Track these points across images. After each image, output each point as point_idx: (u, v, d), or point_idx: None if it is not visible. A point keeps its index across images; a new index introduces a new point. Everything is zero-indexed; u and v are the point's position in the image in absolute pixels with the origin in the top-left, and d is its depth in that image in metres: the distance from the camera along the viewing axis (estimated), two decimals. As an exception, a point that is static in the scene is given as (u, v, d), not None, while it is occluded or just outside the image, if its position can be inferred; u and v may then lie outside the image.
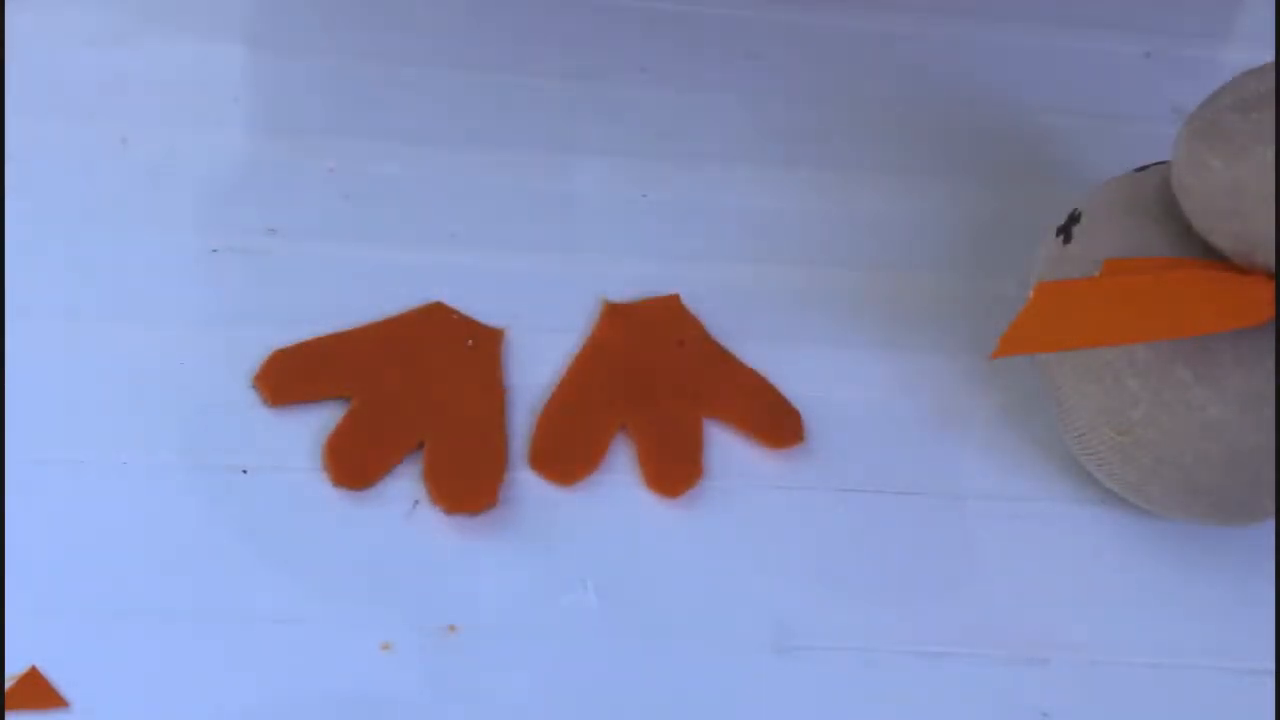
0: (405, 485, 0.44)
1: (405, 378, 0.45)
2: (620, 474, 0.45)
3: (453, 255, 0.49)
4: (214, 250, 0.48)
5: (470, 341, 0.47)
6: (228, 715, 0.41)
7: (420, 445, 0.45)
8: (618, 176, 0.52)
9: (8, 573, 0.42)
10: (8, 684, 0.40)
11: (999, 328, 0.40)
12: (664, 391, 0.47)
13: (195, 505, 0.44)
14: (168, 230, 0.49)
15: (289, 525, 0.44)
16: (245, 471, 0.44)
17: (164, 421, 0.45)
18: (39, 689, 0.40)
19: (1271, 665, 0.44)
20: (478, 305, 0.48)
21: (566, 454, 0.45)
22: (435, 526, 0.44)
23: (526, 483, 0.45)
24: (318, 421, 0.45)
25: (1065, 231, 0.45)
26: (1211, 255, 0.41)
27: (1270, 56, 0.41)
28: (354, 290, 0.48)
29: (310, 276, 0.48)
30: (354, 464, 0.44)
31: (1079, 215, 0.44)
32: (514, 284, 0.49)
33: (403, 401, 0.45)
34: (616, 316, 0.48)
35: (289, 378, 0.45)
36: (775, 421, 0.47)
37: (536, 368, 0.47)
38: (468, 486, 0.44)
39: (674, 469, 0.45)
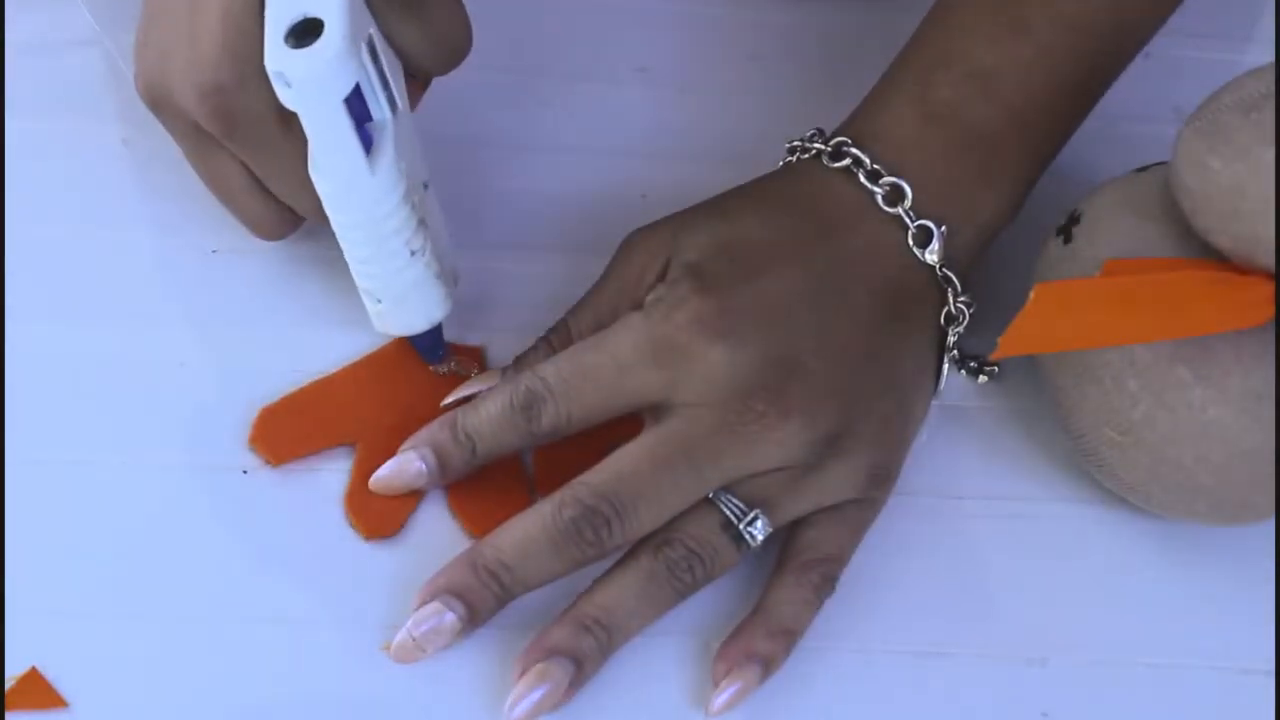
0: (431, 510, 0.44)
1: (402, 414, 0.45)
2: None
3: (464, 257, 0.49)
4: (214, 251, 0.48)
5: (454, 364, 0.46)
6: (227, 715, 0.41)
7: None
8: (618, 176, 0.52)
9: (8, 573, 0.42)
10: (8, 684, 0.40)
11: (999, 328, 0.40)
12: None
13: (195, 505, 0.44)
14: (168, 230, 0.49)
15: (289, 525, 0.44)
16: (245, 472, 0.44)
17: (164, 421, 0.45)
18: (39, 689, 0.40)
19: (1271, 665, 0.44)
20: (474, 308, 0.48)
21: (569, 470, 0.44)
22: (436, 526, 0.44)
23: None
24: (318, 421, 0.45)
25: (1065, 231, 0.44)
26: (1211, 255, 0.40)
27: (1270, 57, 0.41)
28: (355, 290, 0.48)
29: (310, 277, 0.48)
30: (378, 514, 0.44)
31: (1079, 215, 0.44)
32: (511, 287, 0.49)
33: (406, 438, 0.44)
34: None
35: (285, 435, 0.45)
36: None
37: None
38: (498, 509, 0.43)
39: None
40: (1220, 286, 0.40)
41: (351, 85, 0.38)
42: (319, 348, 0.46)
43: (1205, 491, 0.42)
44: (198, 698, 0.41)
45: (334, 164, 0.40)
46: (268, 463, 0.44)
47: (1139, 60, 0.49)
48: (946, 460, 0.47)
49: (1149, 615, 0.45)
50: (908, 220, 0.44)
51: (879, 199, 0.44)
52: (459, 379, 0.46)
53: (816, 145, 0.46)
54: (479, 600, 0.40)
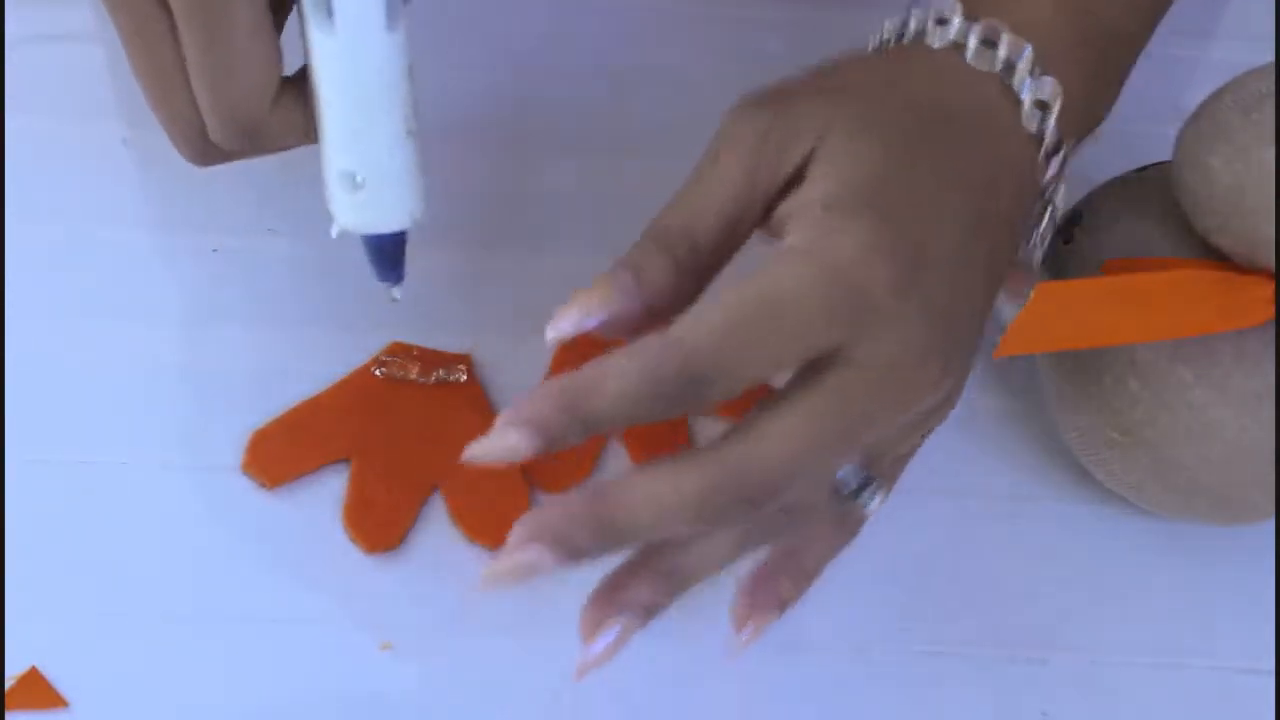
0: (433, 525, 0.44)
1: (394, 426, 0.45)
2: (615, 473, 0.45)
3: (450, 257, 0.49)
4: (214, 250, 0.48)
5: (442, 371, 0.46)
6: (228, 715, 0.41)
7: (435, 489, 0.44)
8: (618, 176, 0.52)
9: (8, 573, 0.42)
10: (8, 684, 0.40)
11: (998, 328, 0.40)
12: None
13: (195, 505, 0.44)
14: (168, 230, 0.49)
15: (289, 525, 0.44)
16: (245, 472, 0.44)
17: (164, 421, 0.45)
18: (39, 689, 0.40)
19: (1271, 665, 0.44)
20: (471, 308, 0.48)
21: (560, 468, 0.44)
22: (435, 528, 0.44)
23: (526, 483, 0.45)
24: (318, 421, 0.45)
25: (1065, 231, 0.44)
26: (1211, 255, 0.41)
27: (1270, 56, 0.41)
28: (354, 290, 0.48)
29: (310, 277, 0.48)
30: (378, 527, 0.43)
31: (1079, 215, 0.44)
32: (509, 287, 0.49)
33: (401, 451, 0.45)
34: (570, 344, 0.48)
35: (278, 456, 0.44)
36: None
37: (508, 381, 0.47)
38: (500, 517, 0.43)
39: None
40: (1220, 286, 0.40)
41: None
42: (319, 347, 0.46)
43: (1205, 491, 0.42)
44: (198, 698, 0.41)
45: (357, 15, 0.36)
46: (263, 486, 0.44)
47: (1139, 60, 0.49)
48: (946, 460, 0.47)
49: (1149, 615, 0.45)
50: (1046, 135, 0.38)
51: (1025, 108, 0.38)
52: (449, 387, 0.46)
53: (953, 27, 0.39)
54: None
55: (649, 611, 0.37)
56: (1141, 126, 0.51)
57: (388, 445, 0.44)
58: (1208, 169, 0.39)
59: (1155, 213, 0.43)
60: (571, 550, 0.34)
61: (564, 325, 0.37)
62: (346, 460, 0.44)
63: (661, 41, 0.55)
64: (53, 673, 0.41)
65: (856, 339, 0.34)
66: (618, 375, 0.34)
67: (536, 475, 0.45)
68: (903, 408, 0.35)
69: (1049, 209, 0.40)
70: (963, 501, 0.46)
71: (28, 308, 0.46)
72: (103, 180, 0.49)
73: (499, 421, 0.35)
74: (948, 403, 0.38)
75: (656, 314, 0.36)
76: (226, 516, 0.43)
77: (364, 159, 0.39)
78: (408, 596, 0.42)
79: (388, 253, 0.41)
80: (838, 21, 0.56)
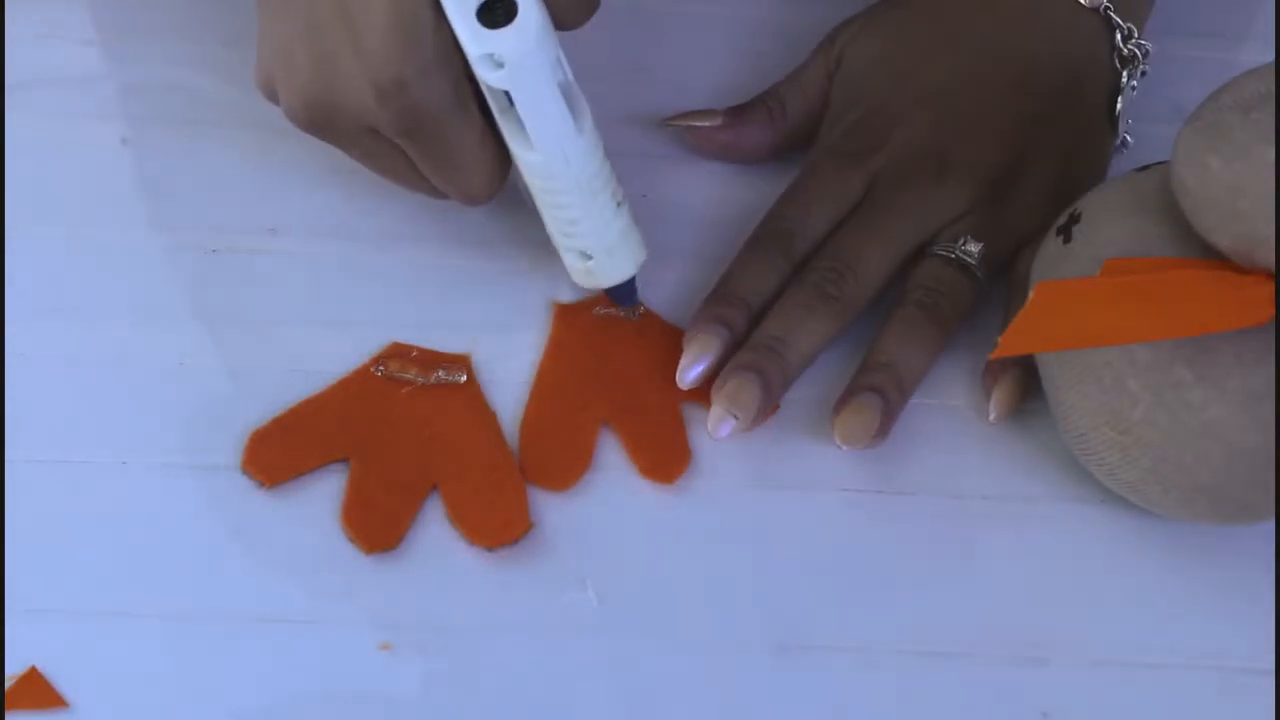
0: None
1: (394, 426, 0.45)
2: (612, 471, 0.45)
3: (449, 257, 0.49)
4: (214, 250, 0.48)
5: (442, 372, 0.46)
6: (228, 715, 0.41)
7: (434, 489, 0.44)
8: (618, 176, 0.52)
9: (8, 573, 0.42)
10: (8, 684, 0.40)
11: (999, 328, 0.40)
12: (637, 381, 0.47)
13: (195, 505, 0.44)
14: (168, 230, 0.49)
15: (289, 523, 0.44)
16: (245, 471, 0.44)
17: (164, 421, 0.45)
18: (39, 689, 0.40)
19: (1271, 665, 0.44)
20: (466, 308, 0.48)
21: (556, 462, 0.45)
22: (434, 529, 0.44)
23: (525, 484, 0.45)
24: (318, 421, 0.45)
25: (1065, 231, 0.44)
26: (1211, 255, 0.40)
27: (1270, 56, 0.41)
28: (354, 290, 0.48)
29: (309, 276, 0.48)
30: (377, 527, 0.43)
31: (1079, 215, 0.44)
32: (507, 286, 0.49)
33: (400, 450, 0.45)
34: (569, 316, 0.48)
35: (277, 456, 0.44)
36: None
37: (506, 380, 0.47)
38: (499, 517, 0.44)
39: (665, 456, 0.45)
40: (1220, 286, 0.40)
41: (555, 54, 0.40)
42: (318, 347, 0.46)
43: (1205, 491, 0.42)
44: (198, 698, 0.41)
45: (550, 134, 0.41)
46: (262, 485, 0.44)
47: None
48: (946, 460, 0.47)
49: (1149, 615, 0.45)
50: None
51: None
52: (449, 387, 0.46)
53: None
54: (772, 371, 0.44)
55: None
56: (1141, 126, 0.51)
57: (387, 445, 0.44)
58: (1208, 169, 0.39)
59: (1155, 213, 0.42)
60: (756, 368, 0.45)
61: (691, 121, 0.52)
62: (346, 460, 0.44)
63: (661, 42, 0.55)
64: (53, 673, 0.41)
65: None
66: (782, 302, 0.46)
67: (536, 474, 0.45)
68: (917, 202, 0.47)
69: (1124, 82, 0.50)
70: (963, 502, 0.46)
71: (28, 308, 0.46)
72: (103, 180, 0.49)
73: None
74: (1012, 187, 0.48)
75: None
76: (226, 516, 0.44)
77: (586, 239, 0.44)
78: (408, 596, 0.42)
79: (623, 292, 0.47)
80: (839, 22, 0.56)
